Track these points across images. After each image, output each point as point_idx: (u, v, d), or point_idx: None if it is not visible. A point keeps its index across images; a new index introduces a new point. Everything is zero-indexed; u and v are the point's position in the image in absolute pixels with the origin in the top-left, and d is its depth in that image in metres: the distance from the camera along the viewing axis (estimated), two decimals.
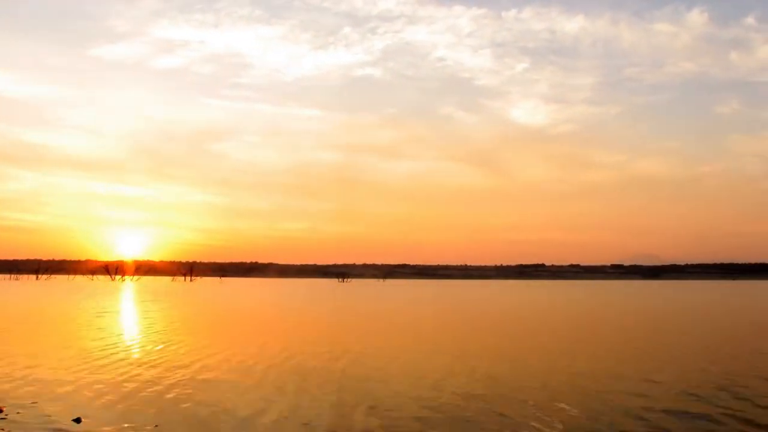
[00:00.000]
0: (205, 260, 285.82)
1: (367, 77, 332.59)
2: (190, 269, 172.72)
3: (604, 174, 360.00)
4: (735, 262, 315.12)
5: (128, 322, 28.39)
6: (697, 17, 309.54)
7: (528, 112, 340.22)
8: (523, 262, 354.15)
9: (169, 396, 10.66)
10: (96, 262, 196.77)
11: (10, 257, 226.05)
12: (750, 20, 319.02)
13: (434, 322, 30.30)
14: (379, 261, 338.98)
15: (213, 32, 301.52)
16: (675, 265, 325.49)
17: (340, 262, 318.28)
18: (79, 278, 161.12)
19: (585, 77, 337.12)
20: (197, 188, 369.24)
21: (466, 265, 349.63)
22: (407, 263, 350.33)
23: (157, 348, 17.70)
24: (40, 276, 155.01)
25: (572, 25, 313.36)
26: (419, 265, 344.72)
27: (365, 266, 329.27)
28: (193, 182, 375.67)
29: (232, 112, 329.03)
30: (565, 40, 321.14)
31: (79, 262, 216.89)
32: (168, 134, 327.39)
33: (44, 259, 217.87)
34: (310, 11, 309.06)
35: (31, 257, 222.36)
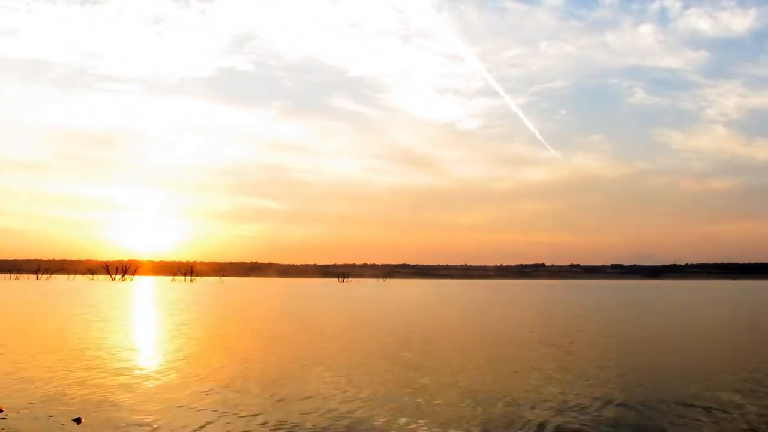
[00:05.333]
0: (206, 260, 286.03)
1: (230, 68, 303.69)
2: (191, 269, 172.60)
3: (543, 171, 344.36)
4: (735, 262, 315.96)
5: (129, 324, 28.36)
6: None
7: (426, 105, 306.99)
8: (524, 262, 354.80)
9: (169, 397, 10.65)
10: (96, 261, 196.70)
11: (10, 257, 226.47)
12: None
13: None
14: (379, 261, 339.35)
15: (33, 18, 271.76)
16: (675, 265, 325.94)
17: (340, 262, 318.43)
18: (79, 278, 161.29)
19: (461, 64, 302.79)
20: (144, 189, 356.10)
21: (466, 264, 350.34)
22: (407, 263, 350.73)
23: (159, 349, 17.70)
24: (40, 276, 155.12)
25: (418, 4, 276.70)
26: (419, 265, 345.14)
27: (365, 266, 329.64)
28: (135, 183, 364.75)
29: (124, 107, 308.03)
30: (416, 21, 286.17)
31: (78, 261, 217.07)
32: (79, 134, 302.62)
33: (44, 258, 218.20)
34: None
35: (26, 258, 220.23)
